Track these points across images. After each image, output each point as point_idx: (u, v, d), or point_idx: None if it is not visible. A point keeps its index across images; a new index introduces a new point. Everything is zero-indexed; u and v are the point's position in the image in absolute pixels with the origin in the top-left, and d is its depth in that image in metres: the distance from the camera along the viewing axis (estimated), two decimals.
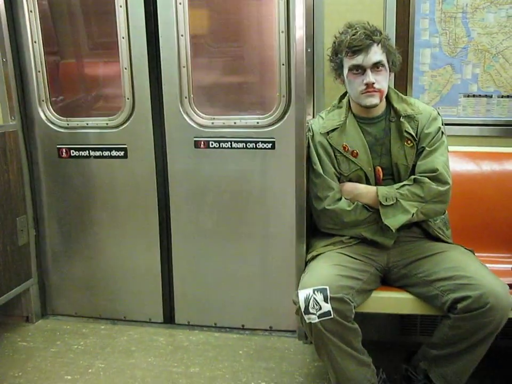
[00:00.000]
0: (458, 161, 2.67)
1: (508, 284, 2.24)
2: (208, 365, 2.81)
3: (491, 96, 2.75)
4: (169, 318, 3.23)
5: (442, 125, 2.36)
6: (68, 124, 3.14)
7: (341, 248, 2.31)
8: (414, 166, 2.32)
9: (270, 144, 2.89)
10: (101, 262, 3.25)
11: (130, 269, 3.20)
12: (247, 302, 3.13)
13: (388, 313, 2.66)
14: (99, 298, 3.29)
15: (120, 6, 2.90)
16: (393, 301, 2.30)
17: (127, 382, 2.68)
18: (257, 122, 2.91)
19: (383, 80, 2.26)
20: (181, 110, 2.98)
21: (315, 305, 2.04)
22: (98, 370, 2.77)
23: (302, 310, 2.06)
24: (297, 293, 2.10)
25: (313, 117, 2.66)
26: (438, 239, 2.37)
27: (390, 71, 2.32)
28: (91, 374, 2.75)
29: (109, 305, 3.28)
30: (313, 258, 2.31)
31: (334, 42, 2.32)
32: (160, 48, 2.93)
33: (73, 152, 3.14)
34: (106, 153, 3.11)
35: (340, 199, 2.32)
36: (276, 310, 3.09)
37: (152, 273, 3.18)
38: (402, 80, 2.72)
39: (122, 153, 3.09)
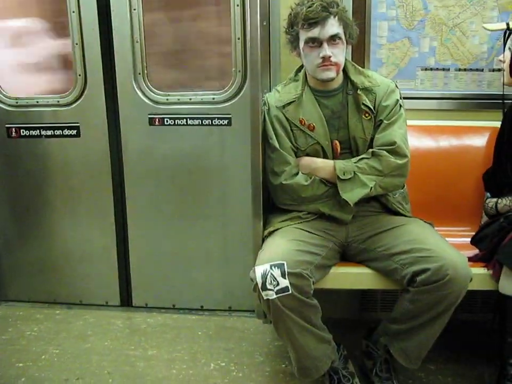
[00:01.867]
0: (416, 135, 2.65)
1: (467, 257, 2.24)
2: (166, 347, 2.75)
3: (448, 70, 2.73)
4: (126, 301, 3.16)
5: (400, 98, 2.33)
6: (17, 102, 3.01)
7: (299, 223, 2.27)
8: (372, 139, 2.29)
9: (227, 121, 2.83)
10: (55, 245, 3.14)
11: (86, 251, 3.11)
12: (206, 283, 3.08)
13: (348, 290, 2.65)
14: (53, 282, 3.19)
15: None
16: (352, 276, 2.27)
17: (83, 367, 2.60)
18: (213, 98, 2.84)
19: (339, 53, 2.21)
20: (135, 87, 2.89)
21: (272, 281, 1.99)
22: (52, 357, 2.68)
23: (259, 286, 2.01)
24: (254, 269, 2.05)
25: (270, 90, 2.60)
26: (397, 213, 2.35)
27: (347, 44, 2.26)
28: (44, 360, 2.66)
29: (64, 290, 3.19)
30: (270, 234, 2.27)
31: (290, 14, 2.25)
32: (112, 22, 2.83)
33: (23, 132, 3.02)
34: (58, 132, 3.00)
35: (297, 173, 2.27)
36: (235, 290, 3.04)
37: (108, 256, 3.09)
38: (360, 53, 2.68)
39: (74, 132, 2.99)
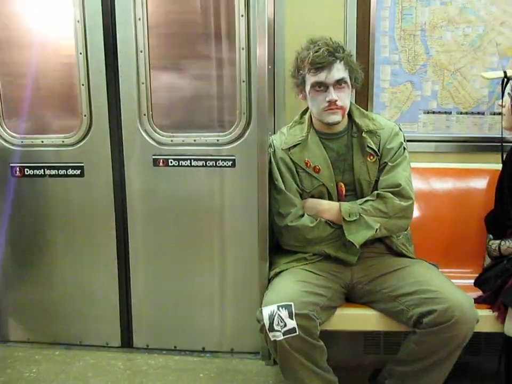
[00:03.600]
0: (419, 177, 2.67)
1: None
2: None
3: (450, 113, 2.78)
4: (127, 342, 3.12)
5: (404, 140, 2.37)
6: (22, 142, 3.03)
7: (304, 264, 2.27)
8: (376, 181, 2.31)
9: (231, 162, 2.85)
10: (56, 285, 3.12)
11: (87, 291, 3.08)
12: (207, 324, 3.06)
13: (351, 333, 2.64)
14: (53, 323, 3.15)
15: (78, 21, 2.83)
16: (358, 318, 2.27)
17: None
18: (217, 140, 2.87)
19: (345, 97, 2.25)
20: (140, 128, 2.92)
21: (280, 322, 1.99)
22: None
23: (267, 327, 2.01)
24: (261, 309, 2.05)
25: (274, 133, 2.63)
26: (401, 255, 2.36)
27: (352, 88, 2.31)
28: None
29: (64, 330, 3.15)
30: (276, 275, 2.27)
31: (296, 58, 2.31)
32: (119, 64, 2.87)
33: (27, 171, 3.03)
34: (62, 171, 3.01)
35: (303, 215, 2.28)
36: (237, 331, 3.02)
37: (109, 296, 3.07)
38: (363, 96, 2.73)
39: (78, 171, 3.00)
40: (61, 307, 3.14)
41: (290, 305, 2.00)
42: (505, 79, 2.25)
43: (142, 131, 2.92)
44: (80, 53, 2.87)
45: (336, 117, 2.24)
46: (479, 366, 2.78)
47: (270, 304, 2.04)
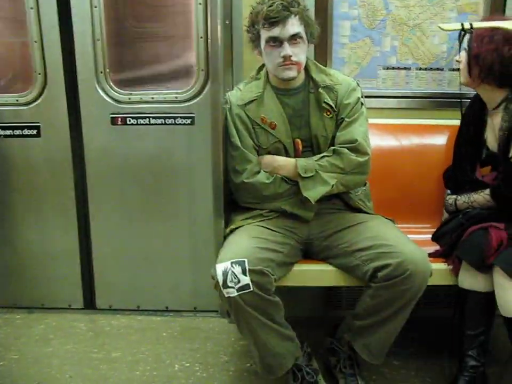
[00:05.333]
0: (378, 133, 2.68)
1: (428, 253, 2.27)
2: (130, 349, 2.72)
3: (409, 69, 2.76)
4: (90, 304, 3.11)
5: (362, 96, 2.35)
6: None
7: (261, 221, 2.27)
8: (333, 137, 2.30)
9: (190, 120, 2.81)
10: (15, 248, 3.07)
11: (47, 253, 3.05)
12: (171, 284, 3.06)
13: (313, 288, 2.66)
14: (14, 286, 3.12)
15: None
16: (315, 274, 2.29)
17: (43, 371, 2.54)
18: (176, 97, 2.82)
19: (300, 53, 2.22)
20: (96, 86, 2.85)
21: (233, 278, 1.99)
22: (11, 362, 2.61)
23: (220, 284, 2.01)
24: (215, 267, 2.05)
25: (233, 89, 2.60)
26: (359, 211, 2.37)
27: (308, 43, 2.27)
28: (2, 366, 2.58)
29: (25, 293, 3.12)
30: (232, 232, 2.26)
31: (251, 13, 2.25)
32: (73, 20, 2.79)
33: None
34: (17, 132, 2.94)
35: (259, 172, 2.27)
36: (201, 290, 3.02)
37: (70, 257, 3.04)
38: (322, 52, 2.70)
39: (35, 131, 2.93)
40: (21, 270, 3.10)
41: (244, 261, 2.00)
42: (463, 32, 2.23)
43: (99, 89, 2.86)
44: (31, 8, 2.77)
45: (291, 73, 2.21)
46: (436, 318, 2.82)
47: (224, 261, 2.04)
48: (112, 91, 2.85)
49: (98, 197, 2.98)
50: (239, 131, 2.28)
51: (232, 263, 2.01)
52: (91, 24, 2.79)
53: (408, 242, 2.14)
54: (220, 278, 2.01)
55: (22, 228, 3.06)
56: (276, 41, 2.17)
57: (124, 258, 3.04)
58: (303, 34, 2.21)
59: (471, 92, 2.49)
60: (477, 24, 2.25)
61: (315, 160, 2.23)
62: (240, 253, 2.04)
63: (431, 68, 2.77)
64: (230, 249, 2.11)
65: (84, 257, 3.06)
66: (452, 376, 2.33)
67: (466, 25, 2.22)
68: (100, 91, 2.85)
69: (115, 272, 3.07)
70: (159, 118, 2.83)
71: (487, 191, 2.32)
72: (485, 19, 2.39)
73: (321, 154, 2.25)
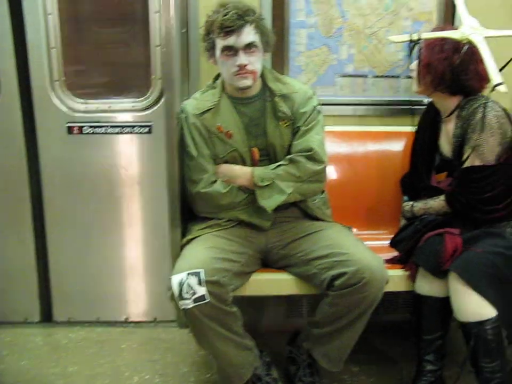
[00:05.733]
0: (336, 141, 2.70)
1: (385, 259, 2.30)
2: (88, 362, 2.66)
3: (366, 76, 2.79)
4: (47, 317, 3.03)
5: (318, 104, 2.36)
6: None
7: (218, 230, 2.26)
8: (290, 146, 2.30)
9: (147, 129, 2.79)
10: None
11: (2, 266, 2.97)
12: (130, 294, 3.01)
13: (274, 297, 2.66)
14: None
15: None
16: (273, 283, 2.29)
17: None
18: (133, 106, 2.79)
19: (256, 61, 2.22)
20: (52, 94, 2.80)
21: (189, 289, 1.97)
22: None
23: (176, 295, 2.00)
24: (171, 278, 2.03)
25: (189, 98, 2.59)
26: (316, 219, 2.37)
27: (264, 52, 2.27)
28: None
29: None
30: (189, 242, 2.25)
31: (206, 22, 2.25)
32: (26, 28, 2.74)
33: None
34: None
35: (215, 181, 2.27)
36: (161, 300, 2.96)
37: (27, 269, 2.96)
38: (279, 60, 2.71)
39: None
40: None
41: (200, 272, 1.99)
42: (412, 43, 2.27)
43: (54, 98, 2.81)
44: None
45: (246, 82, 2.21)
46: (396, 324, 2.85)
47: (179, 272, 2.02)
48: (68, 100, 2.81)
49: (55, 207, 2.92)
50: (195, 140, 2.27)
51: (188, 274, 1.99)
52: (45, 32, 2.74)
53: (364, 250, 2.16)
54: (176, 290, 1.99)
55: None
56: (231, 50, 2.17)
57: (82, 269, 2.98)
58: (259, 43, 2.21)
59: (426, 99, 2.53)
60: (425, 35, 2.29)
61: (271, 169, 2.23)
62: (196, 264, 2.02)
63: (387, 76, 2.80)
64: (186, 260, 2.09)
65: (41, 269, 2.99)
66: (410, 381, 2.34)
67: (415, 37, 2.25)
68: (56, 100, 2.80)
69: (74, 283, 3.01)
70: (116, 127, 2.79)
71: (443, 197, 2.36)
72: (436, 29, 2.43)
73: (278, 163, 2.26)
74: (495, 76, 2.11)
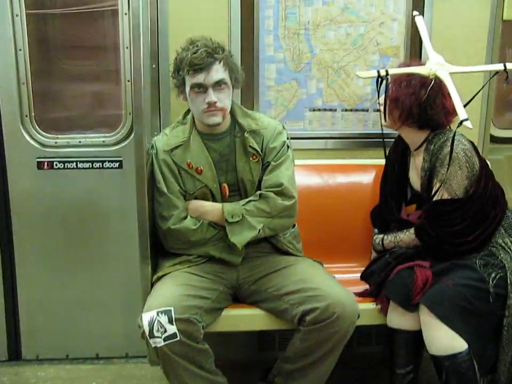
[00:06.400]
0: (306, 174, 2.72)
1: (357, 293, 2.31)
2: None
3: (335, 110, 2.83)
4: (15, 355, 2.97)
5: (288, 139, 2.38)
6: None
7: (188, 267, 2.25)
8: (260, 181, 2.32)
9: (118, 163, 2.78)
10: None
11: None
12: (101, 330, 2.97)
13: (244, 332, 2.64)
14: None
15: None
16: (244, 318, 2.28)
17: None
18: (103, 141, 2.79)
19: (225, 98, 2.24)
20: (22, 130, 2.79)
21: (160, 328, 1.96)
22: None
23: (147, 334, 1.99)
24: (141, 316, 2.02)
25: (160, 133, 2.59)
26: (287, 253, 2.38)
27: (233, 88, 2.30)
28: None
29: None
30: (159, 279, 2.23)
31: (176, 59, 2.27)
32: None
33: None
34: None
35: (186, 217, 2.26)
36: (133, 335, 2.89)
37: None
38: (249, 95, 2.73)
39: None
40: None
41: (170, 310, 1.98)
42: (379, 79, 2.31)
43: (24, 133, 2.79)
44: None
45: (216, 119, 2.22)
46: (370, 356, 2.85)
47: (150, 310, 2.01)
48: (38, 135, 2.79)
49: (24, 242, 2.89)
50: (165, 177, 2.27)
51: (158, 312, 1.98)
52: (15, 67, 2.73)
53: (335, 285, 2.17)
54: (146, 328, 1.98)
55: None
56: (201, 88, 2.19)
57: (51, 305, 2.94)
58: (228, 80, 2.23)
59: (395, 132, 2.56)
60: (392, 71, 2.33)
61: (242, 205, 2.24)
62: (167, 302, 2.01)
63: (356, 109, 2.84)
64: (156, 298, 2.08)
65: (9, 305, 2.94)
66: None
67: (382, 72, 2.29)
68: (26, 135, 2.79)
69: (42, 319, 2.96)
70: (87, 162, 2.78)
71: (412, 230, 2.38)
72: (402, 65, 2.48)
73: (248, 199, 2.26)
74: (461, 112, 2.16)
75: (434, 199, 2.31)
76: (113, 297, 2.93)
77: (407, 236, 2.39)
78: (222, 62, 2.20)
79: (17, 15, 2.69)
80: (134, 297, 2.85)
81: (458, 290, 2.13)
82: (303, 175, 2.66)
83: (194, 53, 2.16)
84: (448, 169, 2.25)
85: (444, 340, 2.09)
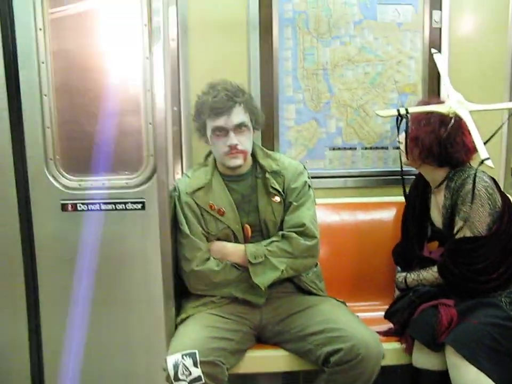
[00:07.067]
0: (327, 212, 2.73)
1: (381, 331, 2.29)
2: None
3: (355, 148, 2.85)
4: None
5: (309, 178, 2.40)
6: None
7: (212, 308, 2.26)
8: (282, 221, 2.33)
9: (140, 205, 2.80)
10: None
11: None
12: (125, 373, 2.93)
13: (267, 372, 2.62)
14: None
15: None
16: (268, 359, 2.27)
17: None
18: (126, 183, 2.81)
19: (246, 141, 2.27)
20: (46, 173, 2.84)
21: (184, 371, 1.96)
22: None
23: (172, 377, 1.99)
24: (166, 359, 2.02)
25: (182, 175, 2.63)
26: (310, 293, 2.37)
27: (254, 130, 2.33)
28: None
29: None
30: (183, 321, 2.24)
31: (197, 103, 2.32)
32: (23, 108, 2.80)
33: None
34: None
35: (209, 259, 2.28)
36: (156, 378, 2.89)
37: (18, 349, 2.92)
38: (269, 135, 2.77)
39: None
40: None
41: (195, 353, 1.98)
42: (399, 117, 2.33)
43: (48, 176, 2.84)
44: None
45: (237, 161, 2.26)
46: None
47: (174, 352, 2.02)
48: (62, 178, 2.83)
49: (49, 283, 2.90)
50: (188, 219, 2.29)
51: (183, 355, 1.99)
52: (41, 112, 2.79)
53: (359, 325, 2.16)
54: (171, 371, 1.98)
55: None
56: (222, 131, 2.22)
57: (75, 347, 2.94)
58: (248, 123, 2.26)
59: (415, 169, 2.57)
60: (412, 109, 2.35)
61: (264, 246, 2.25)
62: (191, 344, 2.02)
63: (376, 147, 2.86)
64: (181, 341, 2.09)
65: (34, 347, 2.95)
66: None
67: (402, 111, 2.31)
68: (50, 178, 2.83)
69: (67, 361, 2.95)
70: (110, 203, 2.81)
71: (435, 268, 2.36)
72: (422, 102, 2.50)
73: (270, 239, 2.28)
74: (481, 150, 2.16)
75: (456, 237, 2.30)
76: (136, 340, 2.92)
77: (430, 274, 2.38)
78: (242, 105, 2.24)
79: (42, 62, 2.76)
80: (156, 340, 2.85)
81: (485, 329, 2.10)
82: (324, 214, 2.67)
83: (215, 97, 2.20)
84: (470, 207, 2.24)
85: (471, 380, 2.05)
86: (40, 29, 2.69)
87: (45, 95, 2.79)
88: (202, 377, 1.96)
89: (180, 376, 1.97)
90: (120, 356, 2.91)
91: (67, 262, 2.85)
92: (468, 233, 2.27)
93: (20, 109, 2.79)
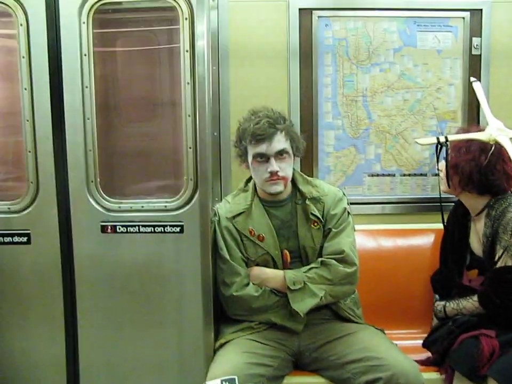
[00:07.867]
0: (366, 239, 2.73)
1: (419, 360, 2.26)
2: None
3: (394, 175, 2.84)
4: None
5: (348, 205, 2.40)
6: None
7: (250, 334, 2.26)
8: (321, 247, 2.33)
9: (179, 228, 2.83)
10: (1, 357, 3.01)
11: (31, 363, 2.96)
12: None
13: None
14: None
15: (25, 89, 2.82)
16: None
17: None
18: (165, 206, 2.85)
19: (287, 167, 2.29)
20: (87, 195, 2.89)
21: None
22: None
23: None
24: None
25: (221, 199, 2.65)
26: (348, 320, 2.36)
27: (294, 156, 2.35)
28: None
29: None
30: (222, 346, 2.25)
31: (238, 129, 2.34)
32: (66, 131, 2.86)
33: None
34: (7, 239, 2.93)
35: (248, 284, 2.29)
36: None
37: (56, 368, 2.95)
38: (308, 161, 2.79)
39: (25, 239, 2.93)
40: (3, 382, 3.01)
41: (234, 379, 1.97)
42: (439, 145, 2.32)
43: (89, 198, 2.89)
44: (27, 120, 2.85)
45: (278, 187, 2.27)
46: None
47: (213, 378, 2.01)
48: (102, 200, 2.88)
49: (87, 305, 2.93)
50: (227, 243, 2.31)
51: (222, 380, 1.98)
52: (83, 135, 2.85)
53: (398, 354, 2.14)
54: None
55: (5, 336, 3.00)
56: (263, 157, 2.25)
57: (111, 367, 2.96)
58: (289, 150, 2.28)
59: (453, 196, 2.56)
60: (452, 137, 2.34)
61: (303, 272, 2.25)
62: (230, 370, 2.02)
63: (414, 174, 2.86)
64: (220, 366, 2.09)
65: (71, 367, 2.98)
66: None
67: (442, 139, 2.30)
68: (91, 200, 2.88)
69: (102, 381, 2.99)
70: (149, 226, 2.84)
71: (475, 297, 2.34)
72: (461, 130, 2.49)
73: (309, 266, 2.28)
74: None
75: (497, 265, 2.28)
76: (171, 361, 2.93)
77: (470, 303, 2.35)
78: (283, 132, 2.26)
79: (86, 87, 2.83)
80: (191, 362, 2.86)
81: None
82: (362, 240, 2.66)
83: (257, 124, 2.23)
84: (511, 235, 2.22)
85: None
86: (85, 55, 2.76)
87: (88, 119, 2.85)
88: None
89: None
90: (156, 377, 2.93)
91: (105, 283, 2.89)
92: (510, 262, 2.25)
93: (64, 132, 2.85)
